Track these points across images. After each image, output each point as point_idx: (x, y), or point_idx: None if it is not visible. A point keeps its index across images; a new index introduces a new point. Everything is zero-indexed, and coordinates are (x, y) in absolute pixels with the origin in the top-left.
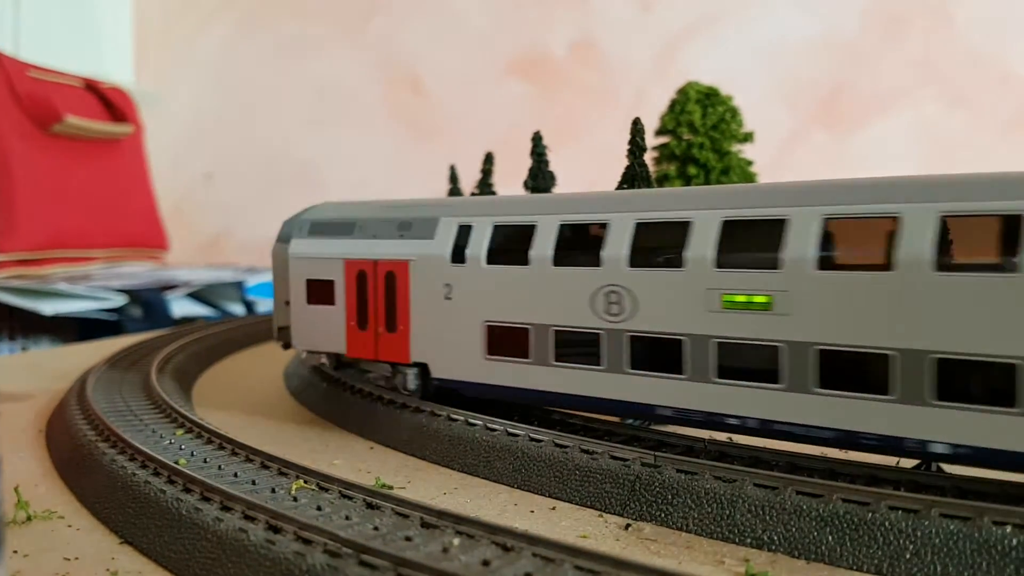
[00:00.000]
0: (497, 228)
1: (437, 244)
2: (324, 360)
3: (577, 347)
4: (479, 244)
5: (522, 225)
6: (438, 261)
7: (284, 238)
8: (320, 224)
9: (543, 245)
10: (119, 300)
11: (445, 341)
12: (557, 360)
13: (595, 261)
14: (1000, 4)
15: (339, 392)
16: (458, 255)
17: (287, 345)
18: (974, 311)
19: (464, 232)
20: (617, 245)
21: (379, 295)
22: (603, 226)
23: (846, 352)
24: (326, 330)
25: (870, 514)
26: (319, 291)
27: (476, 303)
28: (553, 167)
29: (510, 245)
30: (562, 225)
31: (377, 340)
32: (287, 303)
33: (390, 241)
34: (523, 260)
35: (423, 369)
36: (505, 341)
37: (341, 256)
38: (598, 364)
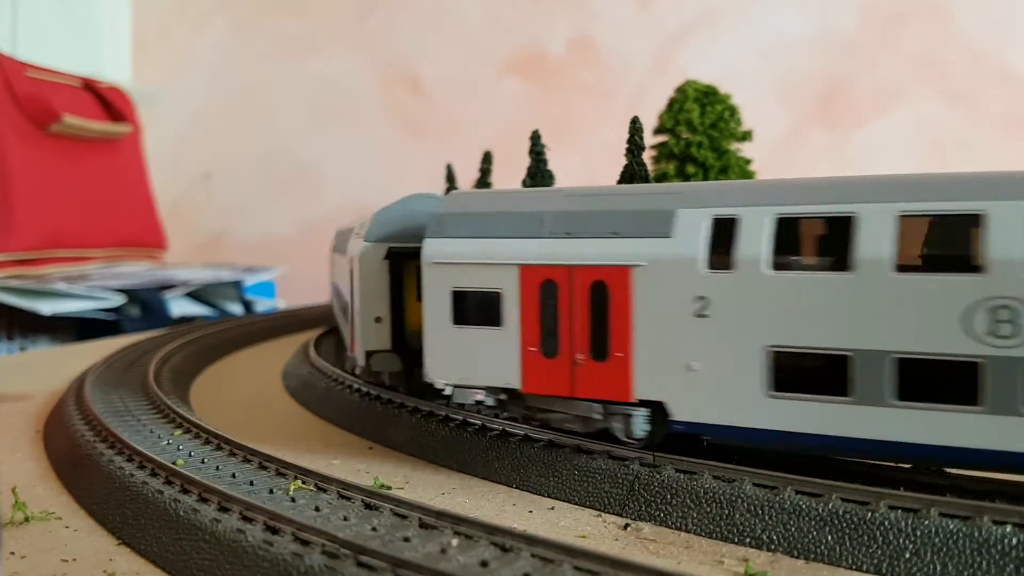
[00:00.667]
0: (784, 222)
1: (680, 244)
2: (481, 397)
3: (935, 381)
4: (755, 243)
5: (831, 217)
6: (684, 266)
7: (380, 237)
8: (470, 218)
9: (875, 244)
10: (117, 300)
11: (697, 373)
12: (901, 399)
13: (970, 265)
14: (998, 2)
15: (338, 392)
16: (720, 258)
17: (375, 374)
18: None
19: (724, 227)
20: (1010, 245)
21: (579, 311)
22: (976, 218)
23: None
24: (486, 358)
25: (870, 513)
26: (475, 306)
27: (753, 322)
28: (551, 166)
29: (811, 244)
30: (904, 216)
31: (575, 371)
32: (377, 319)
33: (596, 241)
34: (839, 264)
35: (656, 409)
36: (806, 373)
37: (514, 261)
38: (974, 404)
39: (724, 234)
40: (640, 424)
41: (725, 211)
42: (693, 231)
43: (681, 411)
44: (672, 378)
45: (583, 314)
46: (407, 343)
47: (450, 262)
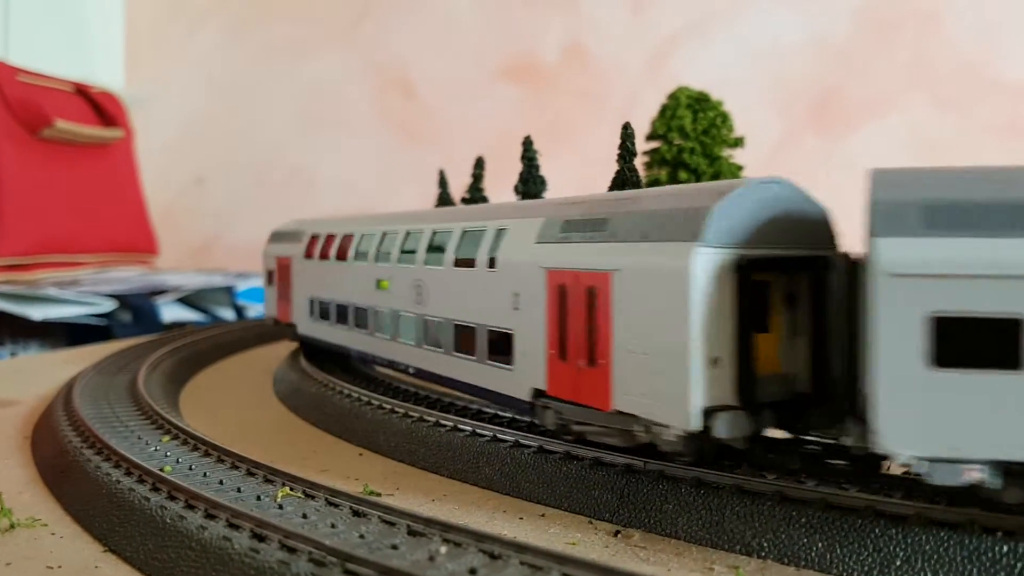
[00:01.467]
0: None
1: None
2: (981, 475)
3: None
4: None
5: None
6: None
7: (727, 241)
8: (960, 208)
9: None
10: (108, 305)
11: None
12: None
13: None
14: (990, 9)
15: (328, 397)
16: None
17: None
18: None
19: None
20: None
21: None
22: None
23: None
24: (998, 418)
25: (860, 520)
26: (978, 341)
27: None
28: (544, 172)
29: None
30: None
31: None
32: (715, 361)
33: None
34: None
35: None
36: None
37: None
38: None
39: None
40: None
41: None
42: None
43: None
44: None
45: None
46: (754, 395)
47: (936, 274)
